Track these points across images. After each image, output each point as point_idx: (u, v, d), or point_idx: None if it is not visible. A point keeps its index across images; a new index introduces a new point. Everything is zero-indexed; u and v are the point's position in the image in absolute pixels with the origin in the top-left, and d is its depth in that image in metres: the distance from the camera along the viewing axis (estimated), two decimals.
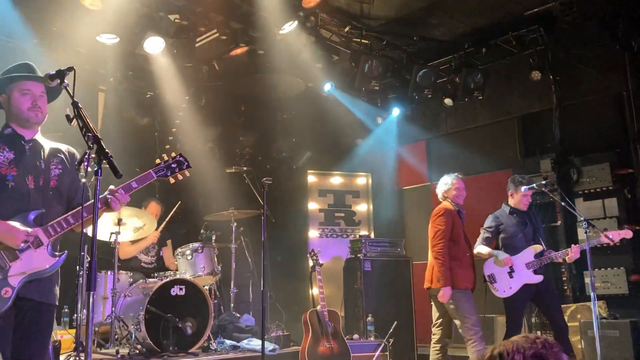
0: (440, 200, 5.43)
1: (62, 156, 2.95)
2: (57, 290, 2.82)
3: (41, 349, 2.69)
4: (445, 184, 5.42)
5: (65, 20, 5.88)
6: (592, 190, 6.65)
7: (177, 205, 6.61)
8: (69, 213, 2.76)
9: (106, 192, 2.81)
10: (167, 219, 6.52)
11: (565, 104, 7.06)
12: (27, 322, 2.65)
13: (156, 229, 6.28)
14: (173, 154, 3.10)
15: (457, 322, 4.99)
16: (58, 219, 2.74)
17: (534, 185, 5.52)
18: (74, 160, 2.96)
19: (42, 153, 2.87)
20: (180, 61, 6.69)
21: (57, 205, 2.85)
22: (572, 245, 5.26)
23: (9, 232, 2.57)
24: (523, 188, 5.39)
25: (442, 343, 5.16)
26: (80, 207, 2.71)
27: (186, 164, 3.09)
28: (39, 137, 2.92)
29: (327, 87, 7.55)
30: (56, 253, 2.73)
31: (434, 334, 5.23)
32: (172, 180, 3.08)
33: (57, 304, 2.82)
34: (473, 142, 8.02)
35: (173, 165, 3.05)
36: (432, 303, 5.28)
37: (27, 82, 2.85)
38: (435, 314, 5.25)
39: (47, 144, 2.93)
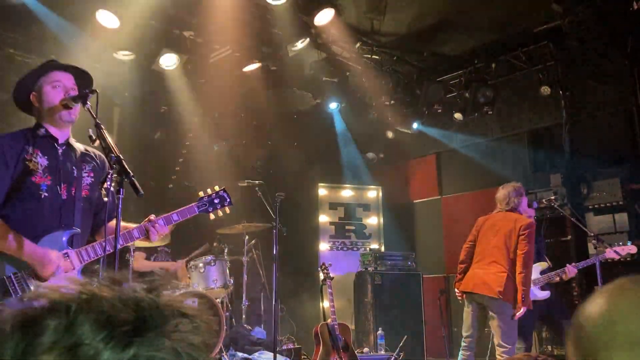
0: (506, 209, 4.94)
1: (94, 163, 2.78)
2: None
3: None
4: (521, 195, 4.98)
5: (82, 37, 6.03)
6: (603, 205, 6.65)
7: (204, 246, 6.70)
8: (105, 239, 2.53)
9: (145, 221, 2.71)
10: (193, 254, 6.60)
11: (574, 118, 7.09)
12: None
13: (183, 262, 6.43)
14: (216, 188, 2.98)
15: (500, 334, 4.62)
16: (93, 244, 2.61)
17: (544, 199, 5.56)
18: (104, 167, 2.78)
19: (74, 157, 2.69)
20: (194, 77, 6.83)
21: (87, 218, 2.71)
22: (567, 265, 5.24)
23: (41, 262, 2.40)
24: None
25: (472, 352, 4.87)
26: (111, 235, 2.54)
27: (228, 200, 2.98)
28: (71, 139, 2.73)
29: (333, 105, 7.65)
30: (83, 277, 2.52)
31: (468, 347, 4.86)
32: (212, 217, 2.96)
33: None
34: (483, 157, 8.06)
35: (216, 201, 2.94)
36: (472, 310, 4.85)
37: (57, 72, 2.66)
38: (473, 322, 4.83)
39: (79, 147, 2.76)
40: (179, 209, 2.83)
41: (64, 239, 2.53)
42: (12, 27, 5.91)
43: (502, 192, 5.03)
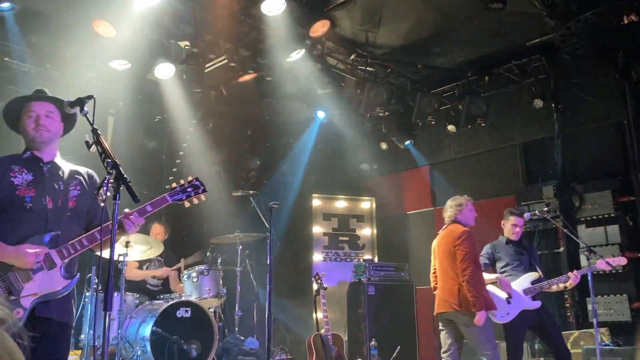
0: (448, 222, 5.21)
1: (81, 178, 2.97)
2: (74, 310, 2.84)
3: None
4: (459, 205, 5.21)
5: (78, 46, 6.05)
6: (594, 217, 6.70)
7: (195, 255, 6.69)
8: (84, 235, 2.77)
9: (120, 216, 2.81)
10: (185, 262, 6.59)
11: (567, 131, 7.16)
12: (46, 342, 2.63)
13: (171, 268, 6.40)
14: (189, 178, 3.08)
15: (476, 344, 4.75)
16: (72, 241, 2.75)
17: (536, 211, 5.60)
18: (93, 182, 2.99)
19: (61, 174, 2.89)
20: (189, 86, 6.86)
21: (75, 226, 2.86)
22: (574, 270, 5.27)
23: (18, 256, 2.59)
24: (512, 217, 5.42)
25: None
26: (95, 229, 2.75)
27: (202, 188, 3.08)
28: (58, 159, 2.94)
29: (321, 115, 7.69)
30: (68, 275, 2.73)
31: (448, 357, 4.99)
32: (187, 204, 3.06)
33: (73, 324, 2.83)
34: (476, 169, 8.11)
35: (189, 190, 3.03)
36: (444, 328, 5.04)
37: (32, 103, 2.90)
38: (447, 340, 5.00)
39: (67, 167, 2.96)
40: (152, 200, 2.93)
41: (45, 239, 2.69)
42: (6, 35, 5.91)
43: (446, 205, 5.28)
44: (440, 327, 5.08)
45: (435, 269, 5.22)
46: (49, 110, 2.88)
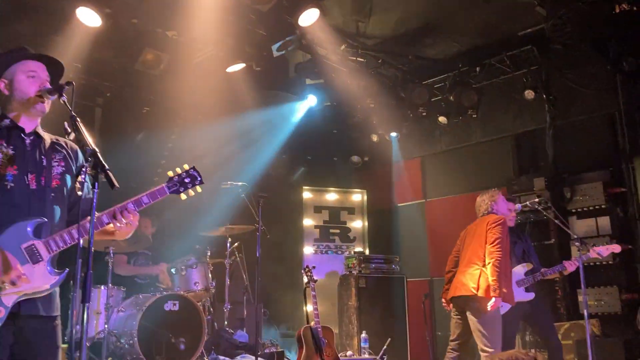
0: (484, 214, 5.10)
1: (65, 152, 2.66)
2: (58, 300, 2.58)
3: None
4: (492, 197, 5.14)
5: (63, 36, 5.93)
6: (585, 209, 6.69)
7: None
8: (73, 227, 2.47)
9: (117, 206, 2.58)
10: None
11: (558, 123, 7.13)
12: (34, 341, 2.43)
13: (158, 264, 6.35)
14: (186, 167, 2.85)
15: (480, 336, 4.62)
16: (61, 232, 2.48)
17: (528, 203, 5.57)
18: (78, 157, 2.70)
19: (42, 147, 2.58)
20: (177, 77, 6.74)
21: (59, 209, 2.56)
22: (564, 261, 5.25)
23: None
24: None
25: (458, 354, 4.97)
26: (86, 220, 2.44)
27: (199, 179, 2.85)
28: (39, 129, 2.63)
29: (313, 100, 7.60)
30: (56, 270, 2.46)
31: (452, 349, 4.93)
32: (183, 197, 2.83)
33: (59, 313, 2.59)
34: (467, 160, 8.08)
35: (186, 180, 2.81)
36: (456, 317, 4.93)
37: (31, 62, 2.59)
38: (457, 329, 4.92)
39: (48, 137, 2.65)
40: (149, 191, 2.70)
41: (29, 229, 2.41)
42: None
43: (477, 200, 5.23)
44: (453, 315, 4.98)
45: (456, 254, 5.18)
46: (48, 76, 2.61)
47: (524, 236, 5.62)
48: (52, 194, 2.53)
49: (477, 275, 4.70)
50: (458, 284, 4.87)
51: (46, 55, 2.65)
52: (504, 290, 4.62)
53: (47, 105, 2.56)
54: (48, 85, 2.54)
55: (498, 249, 4.66)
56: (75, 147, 2.69)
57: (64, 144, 2.68)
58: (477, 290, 4.63)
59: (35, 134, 2.60)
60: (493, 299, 4.53)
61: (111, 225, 2.60)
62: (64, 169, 2.61)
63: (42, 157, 2.56)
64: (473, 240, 4.93)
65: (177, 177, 2.81)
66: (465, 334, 4.88)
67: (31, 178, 2.48)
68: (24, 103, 2.53)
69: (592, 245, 5.28)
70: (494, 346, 4.57)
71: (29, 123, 2.58)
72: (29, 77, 2.54)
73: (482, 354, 4.62)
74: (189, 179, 2.83)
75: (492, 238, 4.73)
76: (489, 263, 4.65)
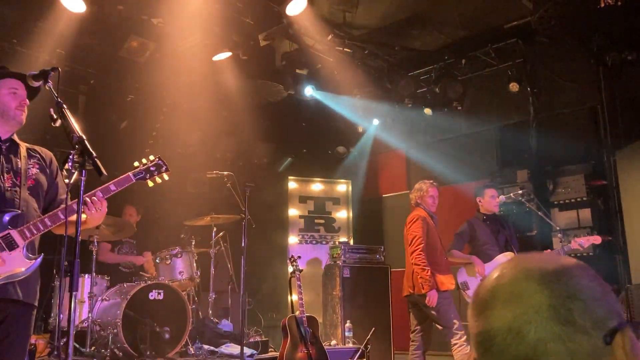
0: (413, 206, 5.44)
1: (38, 156, 2.88)
2: (37, 290, 2.74)
3: (22, 351, 2.60)
4: (419, 190, 5.46)
5: (46, 21, 5.84)
6: (567, 201, 6.78)
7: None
8: (46, 215, 2.68)
9: (86, 195, 2.70)
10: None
11: (541, 115, 7.20)
12: (7, 323, 2.56)
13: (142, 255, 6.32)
14: (152, 157, 3.06)
15: (437, 322, 5.02)
16: (35, 220, 2.66)
17: (511, 194, 5.63)
18: (51, 161, 2.92)
19: (18, 153, 2.80)
20: (162, 65, 6.68)
21: (34, 205, 2.77)
22: (555, 249, 5.33)
23: None
24: (488, 190, 5.51)
25: (421, 349, 5.18)
26: (58, 209, 2.67)
27: (165, 167, 3.06)
28: (15, 137, 2.84)
29: (309, 90, 7.58)
30: (32, 255, 2.65)
31: (413, 341, 5.24)
32: (150, 184, 3.03)
33: (37, 304, 2.73)
34: (451, 152, 8.12)
35: (152, 169, 3.01)
36: (410, 310, 5.30)
37: (13, 80, 2.77)
38: (414, 321, 5.27)
39: (23, 145, 2.87)
40: (116, 179, 2.87)
41: (5, 219, 2.59)
42: None
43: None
44: (409, 309, 5.33)
45: None
46: (26, 95, 2.79)
47: (508, 225, 5.68)
48: (28, 192, 2.74)
49: (410, 274, 5.11)
50: (403, 283, 5.27)
51: (23, 74, 2.78)
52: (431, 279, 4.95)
53: (24, 116, 2.76)
54: (27, 102, 2.75)
55: (416, 247, 5.03)
56: (49, 153, 2.95)
57: (38, 151, 2.92)
58: (414, 289, 5.03)
59: (11, 141, 2.80)
60: (427, 295, 4.90)
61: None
62: (38, 170, 2.82)
63: (18, 160, 2.77)
64: (404, 239, 5.30)
65: (142, 165, 3.02)
66: (420, 323, 5.22)
67: (7, 178, 2.68)
68: (4, 116, 2.73)
69: (574, 237, 5.37)
70: (450, 325, 4.93)
71: (5, 132, 2.77)
72: (11, 93, 2.73)
73: (447, 335, 4.95)
74: (155, 167, 3.03)
75: (410, 238, 5.13)
76: (412, 263, 5.04)
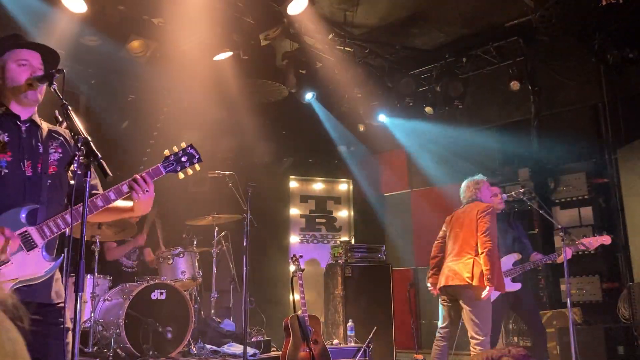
0: (469, 201, 5.13)
1: (62, 139, 2.61)
2: (59, 287, 2.50)
3: (60, 353, 2.34)
4: (477, 183, 5.16)
5: (47, 21, 5.84)
6: (569, 199, 6.79)
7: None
8: (67, 212, 2.41)
9: (125, 182, 2.52)
10: (151, 221, 6.51)
11: (543, 114, 7.21)
12: (38, 327, 2.30)
13: (141, 232, 6.29)
14: (183, 145, 2.73)
15: (472, 324, 4.70)
16: (54, 217, 2.40)
17: (513, 193, 5.63)
18: (75, 145, 2.51)
19: (39, 134, 2.53)
20: (163, 65, 6.68)
21: (56, 196, 2.51)
22: (566, 248, 5.25)
23: None
24: (491, 188, 5.43)
25: (446, 347, 4.95)
26: (79, 205, 2.38)
27: (197, 157, 2.72)
28: (36, 117, 2.57)
29: (309, 96, 7.58)
30: (51, 256, 2.40)
31: (441, 337, 4.99)
32: (181, 176, 2.71)
33: (61, 301, 2.49)
34: (453, 150, 8.12)
35: (183, 159, 2.69)
36: (446, 304, 5.01)
37: (24, 50, 2.52)
38: (447, 317, 5.00)
39: (45, 125, 2.60)
40: (145, 171, 2.60)
41: (22, 215, 2.36)
42: None
43: (462, 186, 5.26)
44: (443, 302, 5.04)
45: (441, 240, 5.22)
46: (41, 63, 2.53)
47: (515, 224, 5.64)
48: (49, 181, 2.48)
49: (470, 265, 4.77)
50: (450, 272, 4.90)
51: (40, 44, 2.60)
52: (498, 277, 4.72)
53: (40, 93, 2.51)
54: (39, 73, 2.49)
55: (489, 238, 4.74)
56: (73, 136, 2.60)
57: (62, 132, 2.63)
58: (472, 280, 4.70)
59: (32, 121, 2.54)
60: (487, 288, 4.62)
61: (127, 202, 2.56)
62: (61, 155, 2.55)
63: (39, 144, 2.50)
64: (463, 228, 4.97)
65: (173, 155, 2.70)
66: (455, 323, 4.98)
67: (27, 164, 2.42)
68: (15, 91, 2.47)
69: (583, 237, 5.35)
70: (484, 334, 4.67)
71: (23, 111, 2.52)
72: (20, 65, 2.49)
73: (472, 340, 4.70)
74: (186, 157, 2.71)
75: (483, 227, 4.79)
76: (482, 253, 4.72)
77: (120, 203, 2.56)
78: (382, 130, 8.53)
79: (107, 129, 7.26)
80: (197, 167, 2.74)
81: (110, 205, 2.53)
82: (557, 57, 7.02)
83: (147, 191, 2.52)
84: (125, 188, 2.52)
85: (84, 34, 5.98)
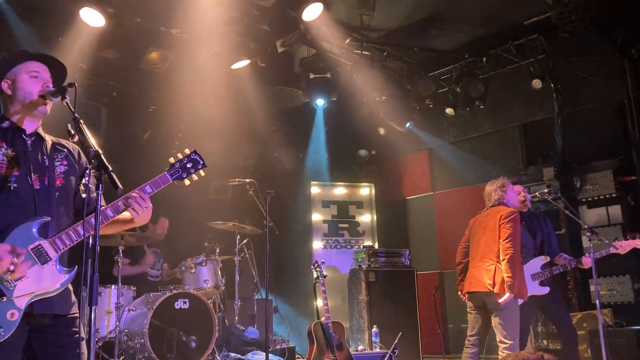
0: (494, 204, 4.99)
1: (66, 151, 2.63)
2: (74, 297, 2.54)
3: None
4: (503, 186, 5.02)
5: (68, 36, 5.94)
6: (596, 198, 6.64)
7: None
8: (78, 223, 2.43)
9: (121, 198, 2.54)
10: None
11: (566, 112, 7.06)
12: (50, 334, 2.40)
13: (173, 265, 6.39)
14: (187, 151, 2.76)
15: (500, 329, 4.61)
16: (67, 229, 2.42)
17: (537, 193, 5.52)
18: (80, 158, 2.66)
19: (44, 148, 2.55)
20: (182, 75, 6.75)
21: (65, 208, 2.53)
22: (586, 255, 5.13)
23: None
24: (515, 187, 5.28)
25: (476, 355, 4.92)
26: (90, 215, 2.38)
27: (201, 163, 2.76)
28: (40, 130, 2.59)
29: (320, 102, 7.58)
30: (65, 269, 2.42)
31: (471, 344, 4.90)
32: (187, 182, 2.75)
33: (77, 312, 2.53)
34: (475, 152, 8.02)
35: (188, 165, 2.72)
36: (474, 311, 4.92)
37: (34, 62, 2.55)
38: (476, 324, 4.91)
39: (49, 138, 2.63)
40: (151, 180, 2.63)
41: (34, 229, 2.37)
42: None
43: (487, 189, 5.11)
44: (470, 310, 4.96)
45: (465, 245, 5.12)
46: (50, 77, 2.57)
47: (545, 222, 5.47)
48: (57, 193, 2.50)
49: (492, 271, 4.67)
50: (473, 279, 4.84)
51: (48, 55, 2.63)
52: (519, 284, 4.61)
53: (49, 107, 2.54)
54: (51, 87, 2.52)
55: (511, 244, 4.63)
56: (76, 147, 2.66)
57: (65, 144, 2.66)
58: (493, 287, 4.61)
59: (37, 135, 2.57)
60: (507, 294, 4.53)
61: (127, 213, 2.59)
62: (66, 167, 2.58)
63: (44, 157, 2.52)
64: (485, 233, 4.88)
65: (178, 162, 2.73)
66: (484, 329, 4.89)
67: (35, 178, 2.44)
68: (26, 104, 2.50)
69: (615, 239, 5.19)
70: (512, 338, 4.58)
71: (30, 124, 2.54)
72: (32, 77, 2.52)
73: (500, 345, 4.63)
74: (191, 164, 2.74)
75: (505, 234, 4.68)
76: (503, 259, 4.62)
77: (120, 215, 2.58)
78: (403, 133, 8.46)
79: (130, 140, 7.37)
80: (201, 172, 2.77)
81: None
82: (579, 54, 6.88)
83: (145, 207, 2.57)
84: (121, 205, 2.54)
85: (103, 48, 6.06)
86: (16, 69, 2.54)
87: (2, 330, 2.23)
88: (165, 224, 6.65)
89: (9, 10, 5.61)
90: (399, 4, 6.45)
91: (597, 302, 4.72)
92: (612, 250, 5.06)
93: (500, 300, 4.55)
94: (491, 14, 6.61)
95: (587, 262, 5.07)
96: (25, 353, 2.36)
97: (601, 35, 6.40)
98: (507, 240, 4.65)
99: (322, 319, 5.64)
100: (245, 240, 6.86)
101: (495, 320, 4.68)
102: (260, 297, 7.05)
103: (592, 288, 6.31)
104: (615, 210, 6.51)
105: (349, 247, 8.66)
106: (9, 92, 2.52)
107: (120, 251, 5.52)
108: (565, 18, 5.71)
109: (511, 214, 4.76)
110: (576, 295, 6.61)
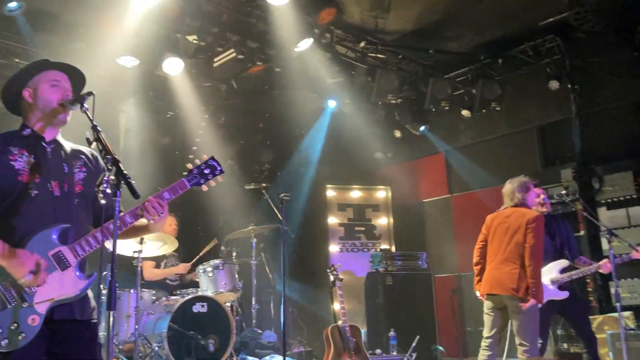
0: (515, 204, 4.86)
1: (85, 158, 2.67)
2: (94, 303, 2.59)
3: None
4: (525, 187, 4.89)
5: (86, 44, 6.04)
6: (615, 199, 6.55)
7: (211, 243, 6.66)
8: (97, 230, 2.48)
9: (139, 205, 2.58)
10: (199, 255, 6.58)
11: (584, 112, 6.98)
12: (69, 344, 2.43)
13: (189, 262, 6.41)
14: (204, 157, 2.79)
15: (520, 332, 4.58)
16: (86, 235, 2.46)
17: (555, 195, 5.47)
18: (98, 163, 2.70)
19: (63, 155, 2.60)
20: (199, 81, 6.82)
21: (84, 214, 2.58)
22: (605, 260, 5.05)
23: (13, 264, 2.29)
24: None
25: (494, 357, 4.89)
26: (109, 221, 2.43)
27: (219, 169, 2.78)
28: (59, 137, 2.65)
29: (332, 104, 7.59)
30: (84, 274, 2.46)
31: (487, 346, 4.82)
32: (204, 188, 2.78)
33: (96, 318, 2.58)
34: (492, 153, 7.98)
35: (206, 172, 2.75)
36: (492, 312, 4.83)
37: (54, 72, 2.61)
38: (493, 326, 4.82)
39: (67, 145, 2.67)
40: (169, 186, 2.67)
41: (53, 236, 2.41)
42: (16, 36, 5.93)
43: (508, 187, 4.98)
44: (488, 311, 4.87)
45: (482, 244, 5.00)
46: (70, 85, 2.63)
47: (565, 224, 5.40)
48: (77, 200, 2.55)
49: (516, 276, 4.61)
50: (494, 280, 4.75)
51: (68, 64, 2.68)
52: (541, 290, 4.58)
53: (68, 115, 2.59)
54: (70, 96, 2.57)
55: (538, 251, 4.59)
56: (95, 153, 2.69)
57: (84, 151, 2.71)
58: (517, 292, 4.56)
59: (56, 142, 2.61)
60: (530, 302, 4.50)
61: (143, 220, 2.62)
62: (85, 174, 2.62)
63: (64, 164, 2.57)
64: (507, 234, 4.78)
65: (196, 169, 2.76)
66: (500, 331, 4.83)
67: (54, 185, 2.48)
68: (46, 112, 2.55)
69: (638, 244, 5.11)
70: (532, 340, 4.55)
71: (49, 132, 2.59)
72: (52, 85, 2.57)
73: (519, 347, 4.59)
74: (209, 170, 2.77)
75: (532, 240, 4.61)
76: (529, 266, 4.57)
77: (135, 222, 2.62)
78: (419, 135, 8.45)
79: (149, 145, 7.45)
80: (219, 178, 2.80)
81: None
82: (596, 54, 6.80)
83: (161, 214, 2.59)
84: (139, 211, 2.58)
85: (121, 55, 6.15)
86: (37, 77, 2.59)
87: (23, 335, 2.28)
88: (172, 222, 6.70)
89: (23, 19, 5.71)
90: (413, 6, 6.44)
91: (618, 305, 4.67)
92: (635, 256, 4.97)
93: (523, 305, 4.51)
94: (506, 14, 6.57)
95: (606, 268, 5.01)
96: (46, 358, 2.40)
97: (618, 35, 6.33)
98: (534, 246, 4.59)
99: (339, 322, 5.65)
100: (261, 244, 6.90)
101: (515, 324, 4.64)
102: (276, 301, 7.08)
103: (612, 290, 6.23)
104: (636, 211, 6.43)
105: (365, 250, 8.66)
106: (30, 100, 2.57)
107: (140, 257, 5.57)
108: (581, 18, 5.66)
109: (537, 219, 4.69)
110: (596, 297, 6.53)
